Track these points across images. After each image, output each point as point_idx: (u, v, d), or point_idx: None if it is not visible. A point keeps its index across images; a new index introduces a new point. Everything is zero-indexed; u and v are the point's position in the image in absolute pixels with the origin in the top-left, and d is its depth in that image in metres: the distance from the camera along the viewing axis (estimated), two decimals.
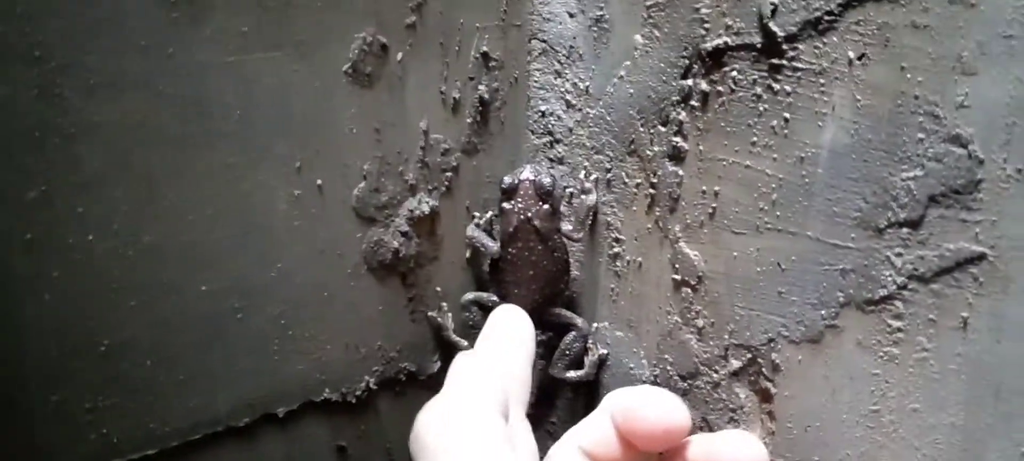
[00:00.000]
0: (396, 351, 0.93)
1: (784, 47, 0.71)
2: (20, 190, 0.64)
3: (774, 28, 0.71)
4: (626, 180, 0.90)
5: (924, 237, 0.65)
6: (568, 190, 0.95)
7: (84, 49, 0.64)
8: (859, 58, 0.66)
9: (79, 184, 0.66)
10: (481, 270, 0.98)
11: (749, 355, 0.80)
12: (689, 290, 0.84)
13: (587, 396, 0.99)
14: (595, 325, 0.97)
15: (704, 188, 0.81)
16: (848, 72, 0.67)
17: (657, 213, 0.87)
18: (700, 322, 0.84)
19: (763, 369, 0.79)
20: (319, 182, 0.82)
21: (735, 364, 0.82)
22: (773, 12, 0.71)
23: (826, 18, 0.68)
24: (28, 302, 0.66)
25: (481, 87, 0.92)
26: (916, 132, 0.64)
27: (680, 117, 0.82)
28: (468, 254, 0.97)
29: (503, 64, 0.93)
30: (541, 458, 0.78)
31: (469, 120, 0.92)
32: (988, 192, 0.61)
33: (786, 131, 0.73)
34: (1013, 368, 0.62)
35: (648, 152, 0.86)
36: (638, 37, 0.84)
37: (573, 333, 0.95)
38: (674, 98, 0.82)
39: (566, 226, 0.93)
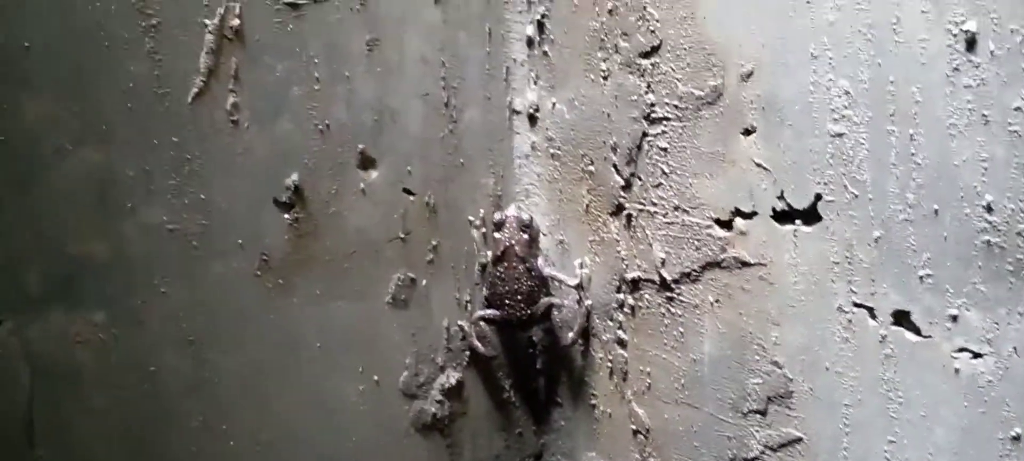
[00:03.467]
0: None
1: (672, 286, 1.04)
2: (189, 421, 1.03)
3: (664, 274, 1.04)
4: (592, 353, 1.24)
5: (769, 422, 0.97)
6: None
7: (218, 329, 1.03)
8: (716, 301, 0.99)
9: (222, 411, 1.06)
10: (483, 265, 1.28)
11: None
12: (642, 437, 1.17)
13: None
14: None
15: (641, 367, 1.14)
16: (711, 309, 1.00)
17: (615, 380, 1.20)
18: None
19: None
20: (376, 378, 1.19)
21: None
22: (663, 263, 1.04)
23: (693, 273, 1.01)
24: None
25: (484, 289, 1.28)
26: (754, 354, 0.96)
27: (619, 318, 1.15)
28: (467, 249, 1.27)
29: None
30: None
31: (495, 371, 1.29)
32: (797, 399, 0.93)
33: (682, 339, 1.06)
34: None
35: (603, 337, 1.20)
36: (586, 258, 1.18)
37: (554, 311, 1.24)
38: (614, 305, 1.16)
39: (546, 270, 1.23)
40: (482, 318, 1.25)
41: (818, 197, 0.84)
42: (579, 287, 1.22)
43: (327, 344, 1.13)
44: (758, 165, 0.89)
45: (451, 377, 1.27)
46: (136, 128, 0.95)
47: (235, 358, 1.06)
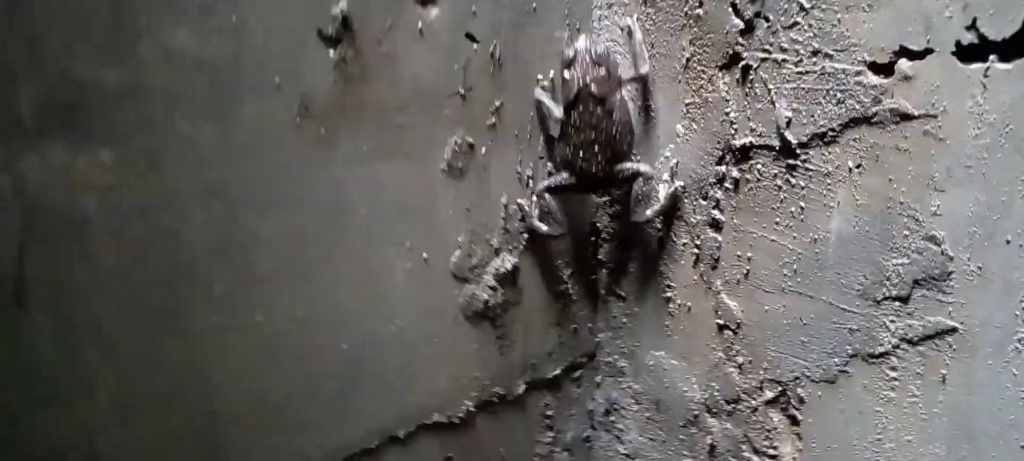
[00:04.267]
0: (488, 379, 1.14)
1: (797, 151, 0.88)
2: (211, 287, 0.86)
3: (788, 137, 0.88)
4: (673, 239, 1.08)
5: (911, 310, 0.82)
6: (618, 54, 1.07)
7: (251, 182, 0.85)
8: (857, 167, 0.83)
9: (253, 279, 0.89)
10: (550, 138, 1.09)
11: (780, 388, 0.98)
12: (730, 333, 1.03)
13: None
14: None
15: (738, 253, 0.98)
16: (848, 177, 0.84)
17: (701, 269, 1.04)
18: (740, 359, 1.02)
19: (792, 400, 0.97)
20: (425, 256, 1.02)
21: (769, 394, 1.00)
22: (788, 123, 0.87)
23: (830, 133, 0.84)
24: (216, 365, 0.89)
25: (550, 165, 1.11)
26: (903, 230, 0.80)
27: (717, 195, 0.99)
28: (533, 114, 1.10)
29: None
30: None
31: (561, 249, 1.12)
32: (958, 281, 0.77)
33: (802, 217, 0.90)
34: (982, 415, 0.79)
35: (692, 220, 1.04)
36: (679, 127, 1.01)
37: (640, 179, 1.03)
38: (711, 179, 0.99)
39: (627, 74, 1.03)
40: (548, 188, 1.07)
41: None
42: (645, 81, 1.04)
43: (373, 212, 0.96)
44: None
45: (506, 262, 1.11)
46: None
47: (269, 218, 0.88)
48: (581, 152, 1.02)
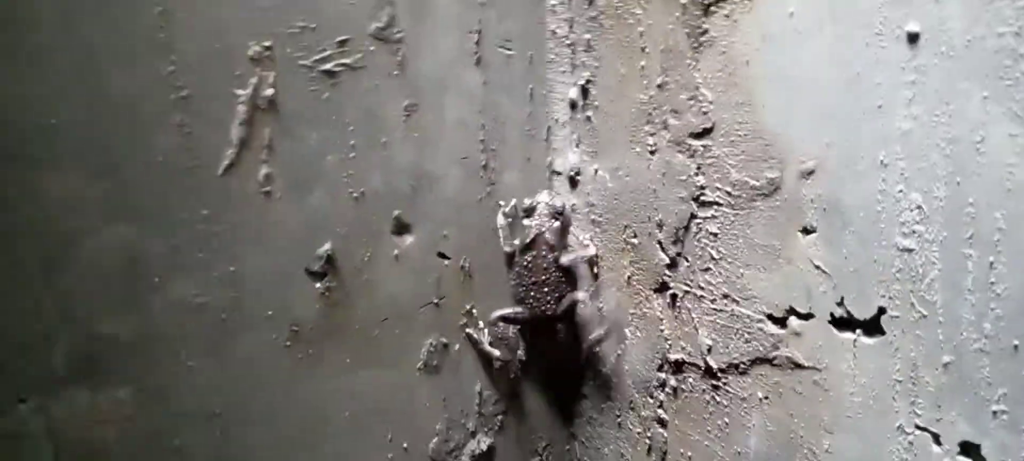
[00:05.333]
0: None
1: (718, 375, 0.99)
2: None
3: (710, 362, 0.99)
4: (630, 426, 1.19)
5: None
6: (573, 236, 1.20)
7: (244, 402, 1.00)
8: (765, 398, 0.94)
9: None
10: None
11: None
12: None
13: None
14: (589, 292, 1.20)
15: (682, 451, 1.09)
16: (759, 405, 0.95)
17: (653, 458, 1.15)
18: None
19: None
20: (405, 446, 1.15)
21: None
22: (709, 350, 0.99)
23: (742, 365, 0.95)
24: None
25: (516, 355, 1.23)
26: (804, 460, 0.91)
27: (660, 397, 1.10)
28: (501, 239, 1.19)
29: (530, 338, 1.25)
30: None
31: (511, 376, 1.24)
32: None
33: (727, 430, 1.00)
34: None
35: (643, 413, 1.15)
36: (627, 331, 1.13)
37: (579, 306, 1.17)
38: (655, 383, 1.11)
39: (564, 259, 1.16)
40: (502, 318, 1.19)
41: (882, 310, 0.78)
42: (597, 258, 1.16)
43: (356, 413, 1.10)
44: (817, 267, 0.83)
45: (482, 442, 1.23)
46: (165, 202, 0.92)
47: (262, 431, 1.03)
48: (532, 292, 1.17)
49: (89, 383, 0.91)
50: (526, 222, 1.17)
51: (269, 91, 0.96)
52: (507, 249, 1.19)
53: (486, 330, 1.19)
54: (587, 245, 1.18)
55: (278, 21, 0.96)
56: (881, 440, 0.82)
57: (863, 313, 0.81)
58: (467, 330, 1.18)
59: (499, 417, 1.25)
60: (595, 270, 1.15)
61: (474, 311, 1.19)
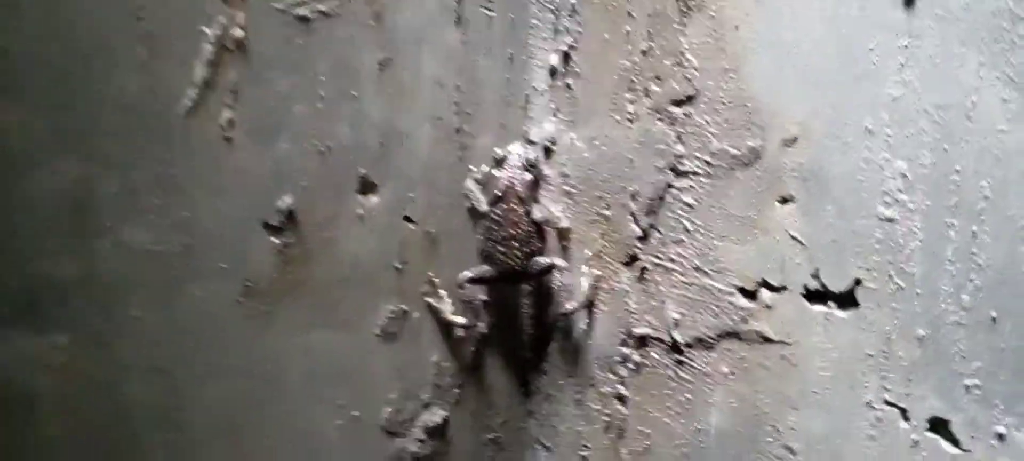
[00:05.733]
0: None
1: (683, 349, 0.98)
2: (153, 455, 0.95)
3: (676, 336, 0.98)
4: (589, 404, 1.17)
5: None
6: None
7: (193, 357, 0.95)
8: (731, 373, 0.93)
9: (191, 444, 0.98)
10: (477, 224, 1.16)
11: None
12: None
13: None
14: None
15: (640, 428, 1.08)
16: (724, 380, 0.94)
17: (611, 436, 1.14)
18: None
19: None
20: (357, 413, 1.12)
21: None
22: (676, 324, 0.98)
23: (709, 340, 0.95)
24: None
25: (479, 324, 1.21)
26: (767, 436, 0.90)
27: (622, 373, 1.09)
28: (468, 205, 1.16)
29: (495, 307, 1.22)
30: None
31: (470, 349, 1.21)
32: None
33: (689, 407, 1.00)
34: None
35: (602, 389, 1.14)
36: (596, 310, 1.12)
37: (555, 272, 1.12)
38: (616, 358, 1.09)
39: (536, 214, 1.12)
40: (470, 279, 1.14)
41: (857, 282, 0.78)
42: (568, 232, 1.13)
43: (310, 376, 1.06)
44: (793, 238, 0.83)
45: (436, 415, 1.20)
46: (121, 141, 0.87)
47: (209, 388, 0.98)
48: (500, 247, 1.12)
49: (26, 326, 0.85)
50: (496, 173, 1.12)
51: (238, 32, 0.92)
52: (480, 209, 1.14)
53: (448, 299, 1.15)
54: (560, 217, 1.14)
55: None
56: (848, 415, 0.82)
57: (838, 285, 0.80)
58: (427, 298, 1.15)
59: (455, 390, 1.22)
60: (564, 243, 1.13)
61: (436, 280, 1.16)
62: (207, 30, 0.90)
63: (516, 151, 1.12)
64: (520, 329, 1.23)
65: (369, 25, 1.01)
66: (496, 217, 1.11)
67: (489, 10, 1.12)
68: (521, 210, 1.10)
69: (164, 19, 0.87)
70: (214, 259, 0.96)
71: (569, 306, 1.12)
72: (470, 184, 1.15)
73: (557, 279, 1.13)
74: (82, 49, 0.83)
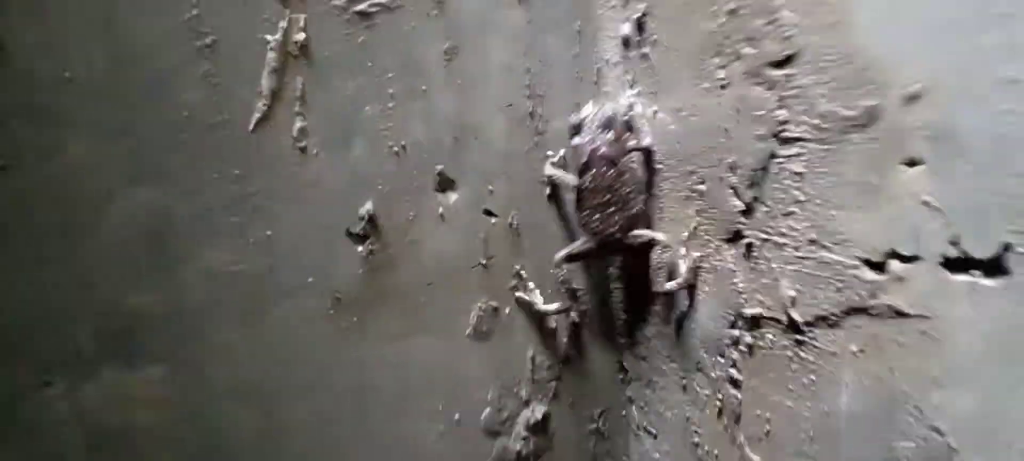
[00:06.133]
0: None
1: (804, 329, 0.90)
2: None
3: (794, 315, 0.90)
4: (697, 389, 1.11)
5: None
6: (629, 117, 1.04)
7: (284, 376, 0.92)
8: (861, 351, 0.85)
9: (293, 455, 0.96)
10: (563, 209, 1.09)
11: None
12: None
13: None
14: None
15: (758, 412, 1.01)
16: (854, 359, 0.86)
17: (725, 421, 1.07)
18: None
19: None
20: (457, 417, 1.08)
21: None
22: (793, 302, 0.90)
23: (833, 317, 0.86)
24: None
25: (573, 314, 1.15)
26: (907, 416, 0.82)
27: (733, 355, 1.02)
28: (548, 191, 1.10)
29: (588, 291, 1.16)
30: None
31: (565, 339, 1.16)
32: None
33: (814, 389, 0.92)
34: None
35: (712, 373, 1.06)
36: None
37: (658, 248, 1.01)
38: (726, 341, 1.02)
39: (631, 142, 1.01)
40: (568, 256, 1.06)
41: (1006, 247, 0.68)
42: (649, 153, 1.03)
43: (404, 385, 1.03)
44: (925, 203, 0.74)
45: (536, 411, 1.15)
46: (192, 162, 0.84)
47: (305, 407, 0.95)
48: (596, 214, 1.02)
49: (118, 362, 0.84)
50: (575, 141, 1.03)
51: (300, 35, 0.88)
52: (570, 186, 1.06)
53: (536, 291, 1.09)
54: (640, 141, 1.03)
55: None
56: (1005, 395, 0.72)
57: (983, 252, 0.71)
58: (517, 293, 1.10)
59: (553, 383, 1.17)
60: (652, 165, 1.03)
61: (523, 273, 1.10)
62: (269, 37, 0.86)
63: (590, 112, 1.02)
64: (613, 313, 1.17)
65: (431, 14, 0.96)
66: (586, 187, 1.02)
67: None
68: (612, 172, 1.00)
69: (224, 29, 0.83)
70: (299, 274, 0.93)
71: (669, 286, 1.04)
72: (550, 169, 1.08)
73: (657, 256, 1.03)
74: (145, 72, 0.80)
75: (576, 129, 1.03)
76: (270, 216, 0.89)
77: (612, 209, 1.02)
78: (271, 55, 0.86)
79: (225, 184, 0.86)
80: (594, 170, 1.01)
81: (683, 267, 1.03)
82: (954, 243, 0.73)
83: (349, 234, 0.95)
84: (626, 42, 1.05)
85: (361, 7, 0.91)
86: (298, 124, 0.89)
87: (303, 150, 0.90)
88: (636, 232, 1.04)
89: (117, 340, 0.84)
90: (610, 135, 1.01)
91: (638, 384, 1.22)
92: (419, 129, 0.97)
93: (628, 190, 1.02)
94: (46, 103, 0.76)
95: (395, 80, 0.94)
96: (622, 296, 1.15)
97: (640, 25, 1.02)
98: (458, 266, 1.04)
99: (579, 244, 1.06)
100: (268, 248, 0.90)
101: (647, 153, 1.04)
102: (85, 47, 0.77)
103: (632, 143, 1.03)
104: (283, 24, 0.86)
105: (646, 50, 1.02)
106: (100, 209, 0.80)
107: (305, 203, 0.91)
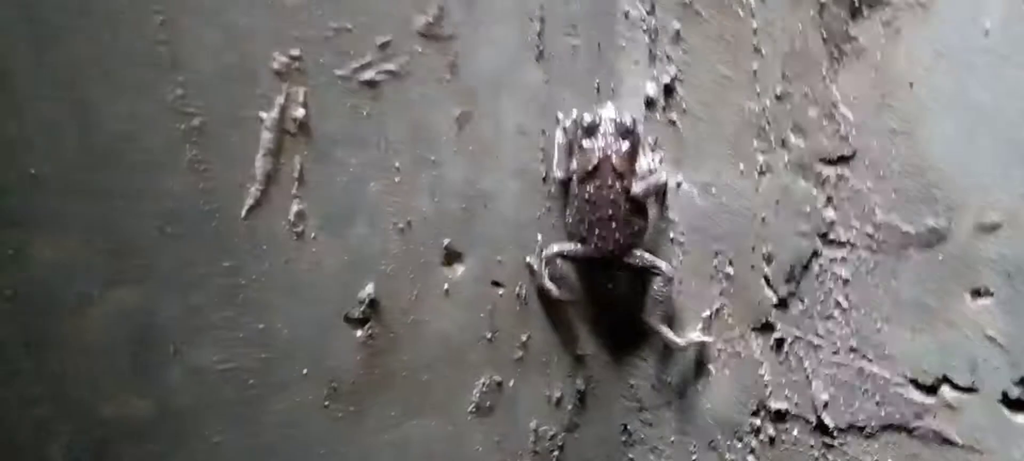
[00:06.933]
0: None
1: (835, 434, 0.86)
2: None
3: (826, 419, 0.86)
4: None
5: None
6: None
7: None
8: None
9: None
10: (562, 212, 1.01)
11: None
12: None
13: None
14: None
15: None
16: None
17: None
18: None
19: None
20: None
21: None
22: (825, 406, 0.85)
23: (869, 429, 0.82)
24: None
25: (578, 381, 1.09)
26: None
27: (752, 443, 0.97)
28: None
29: (596, 357, 1.10)
30: None
31: (569, 407, 1.10)
32: None
33: None
34: None
35: (727, 456, 1.02)
36: (711, 367, 0.99)
37: (660, 278, 0.96)
38: (746, 428, 0.97)
39: (636, 188, 0.93)
40: (561, 254, 0.98)
41: None
42: (664, 188, 0.96)
43: None
44: (989, 337, 0.69)
45: None
46: (179, 257, 0.75)
47: None
48: (597, 230, 0.94)
49: None
50: (586, 144, 0.92)
51: (299, 111, 0.78)
52: (559, 175, 0.97)
53: (546, 267, 0.99)
54: (655, 169, 0.95)
55: (307, 24, 0.77)
56: None
57: None
58: (528, 259, 0.98)
59: (555, 453, 1.11)
60: (664, 202, 0.97)
61: (529, 343, 1.03)
62: (264, 115, 0.76)
63: (609, 116, 0.92)
64: (622, 376, 1.11)
65: (444, 80, 0.87)
66: (589, 196, 0.93)
67: (573, 37, 0.97)
68: (619, 186, 0.92)
69: (213, 110, 0.73)
70: (294, 367, 0.85)
71: (676, 340, 0.97)
72: (560, 136, 0.96)
73: (658, 287, 0.96)
74: (124, 162, 0.70)
75: (590, 130, 0.92)
76: (263, 307, 0.81)
77: (615, 226, 0.94)
78: (266, 135, 0.77)
79: (214, 278, 0.77)
80: (600, 180, 0.92)
81: (693, 338, 0.97)
82: (1019, 383, 0.68)
83: (348, 319, 0.87)
84: (648, 103, 0.98)
85: (368, 75, 0.81)
86: (295, 207, 0.80)
87: (300, 234, 0.81)
88: (638, 253, 0.96)
89: (94, 455, 0.74)
90: (626, 146, 0.91)
91: (642, 448, 1.17)
92: (426, 203, 0.89)
93: (632, 209, 0.94)
94: (9, 206, 0.66)
95: (402, 152, 0.86)
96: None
97: (669, 89, 0.94)
98: (462, 343, 0.97)
99: (574, 249, 0.98)
100: (261, 342, 0.81)
101: (663, 189, 0.97)
102: (53, 139, 0.66)
103: (653, 180, 0.94)
104: (280, 100, 0.77)
105: (673, 116, 0.95)
106: (76, 315, 0.71)
107: (301, 291, 0.83)
